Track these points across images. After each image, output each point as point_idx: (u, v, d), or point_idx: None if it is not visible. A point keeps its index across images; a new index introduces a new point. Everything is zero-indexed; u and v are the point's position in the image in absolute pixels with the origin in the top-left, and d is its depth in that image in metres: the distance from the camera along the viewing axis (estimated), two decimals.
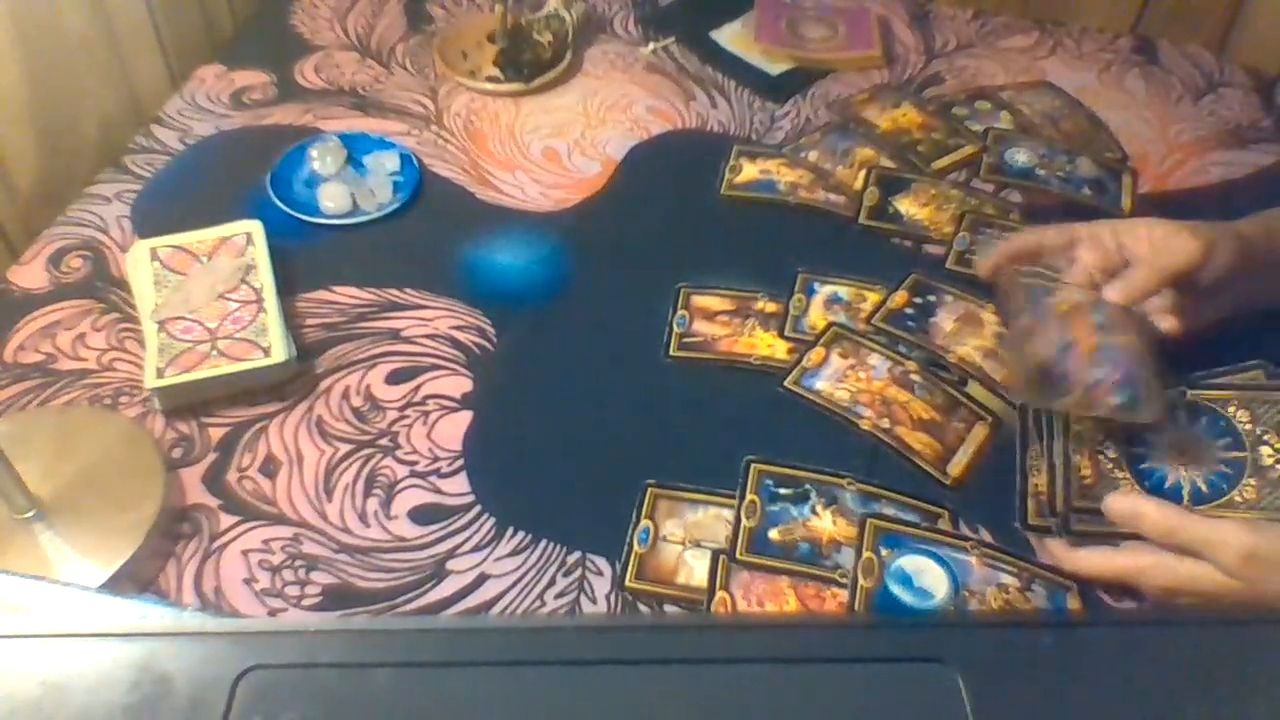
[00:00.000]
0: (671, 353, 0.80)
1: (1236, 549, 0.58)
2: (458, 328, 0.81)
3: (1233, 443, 0.65)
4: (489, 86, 1.05)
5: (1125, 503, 0.63)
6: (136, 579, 0.64)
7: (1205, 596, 0.61)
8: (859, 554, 0.67)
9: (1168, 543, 0.61)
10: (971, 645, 0.43)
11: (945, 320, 0.82)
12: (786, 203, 0.93)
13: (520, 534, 0.69)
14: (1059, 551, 0.66)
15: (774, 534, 0.68)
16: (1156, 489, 0.66)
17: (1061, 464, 0.66)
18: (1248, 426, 0.65)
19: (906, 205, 0.93)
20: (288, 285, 0.82)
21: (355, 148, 0.95)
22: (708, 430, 0.75)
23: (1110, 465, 0.67)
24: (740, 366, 0.79)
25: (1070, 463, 0.66)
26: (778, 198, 0.93)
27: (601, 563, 0.68)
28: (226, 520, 0.68)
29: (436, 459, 0.73)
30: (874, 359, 0.79)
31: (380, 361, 0.79)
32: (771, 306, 0.83)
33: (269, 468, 0.71)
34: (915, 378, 0.77)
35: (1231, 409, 0.66)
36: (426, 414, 0.75)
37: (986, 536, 0.69)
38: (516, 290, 0.85)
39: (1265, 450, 0.64)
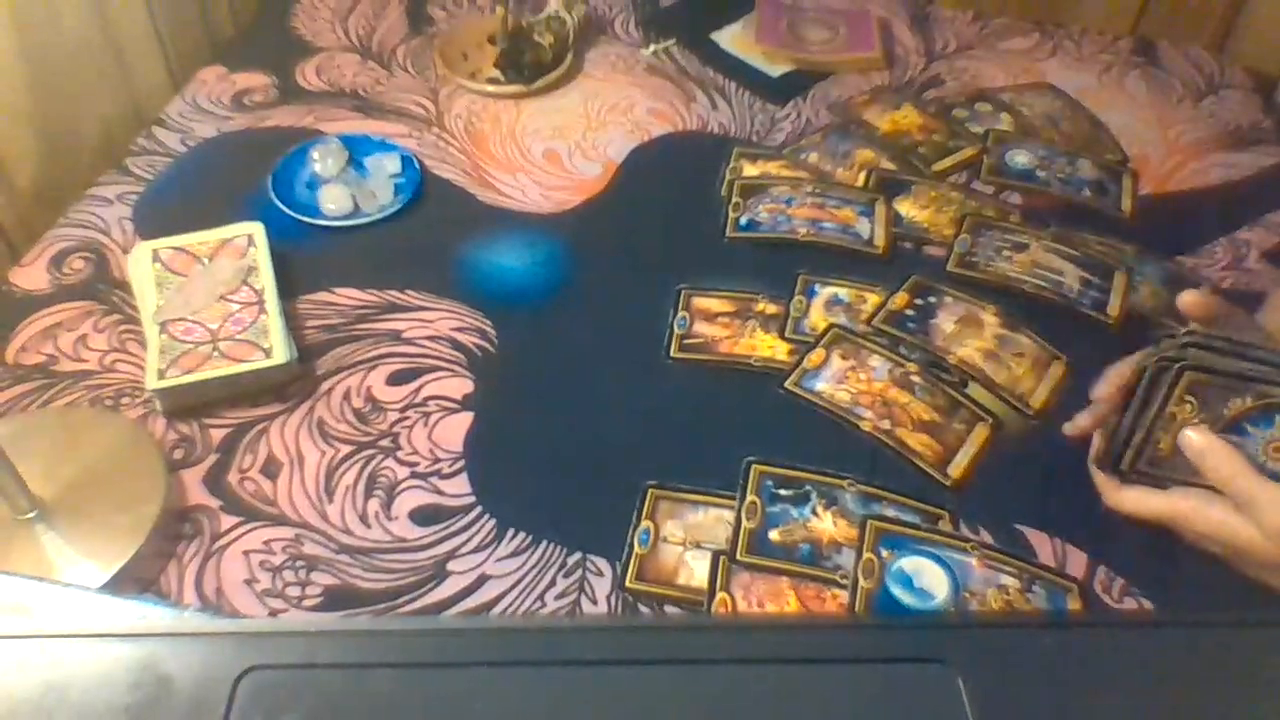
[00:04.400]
0: (672, 354, 0.80)
1: (1278, 515, 0.58)
2: (459, 329, 0.81)
3: None
4: (490, 88, 1.05)
5: (1201, 439, 0.63)
6: (137, 579, 0.64)
7: (1237, 550, 0.61)
8: (859, 555, 0.67)
9: (1223, 488, 0.61)
10: (972, 646, 0.43)
11: (946, 322, 0.82)
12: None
13: (521, 535, 0.69)
14: (1108, 488, 0.66)
15: (774, 535, 0.68)
16: None
17: (1145, 431, 0.65)
18: None
19: (907, 207, 0.93)
20: (289, 287, 0.82)
21: (356, 149, 0.95)
22: (708, 431, 0.75)
23: None
24: (741, 368, 0.79)
25: (1153, 436, 0.65)
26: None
27: (602, 563, 0.68)
28: (227, 521, 0.68)
29: (437, 460, 0.73)
30: (874, 360, 0.79)
31: (381, 363, 0.79)
32: (772, 308, 0.83)
33: (270, 469, 0.71)
34: (916, 379, 0.77)
35: None
36: (427, 415, 0.75)
37: (987, 538, 0.69)
38: (517, 292, 0.86)
39: None
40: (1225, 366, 0.64)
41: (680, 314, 0.83)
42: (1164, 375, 0.64)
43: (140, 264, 0.80)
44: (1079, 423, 0.69)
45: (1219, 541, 0.61)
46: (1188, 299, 0.66)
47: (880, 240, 0.89)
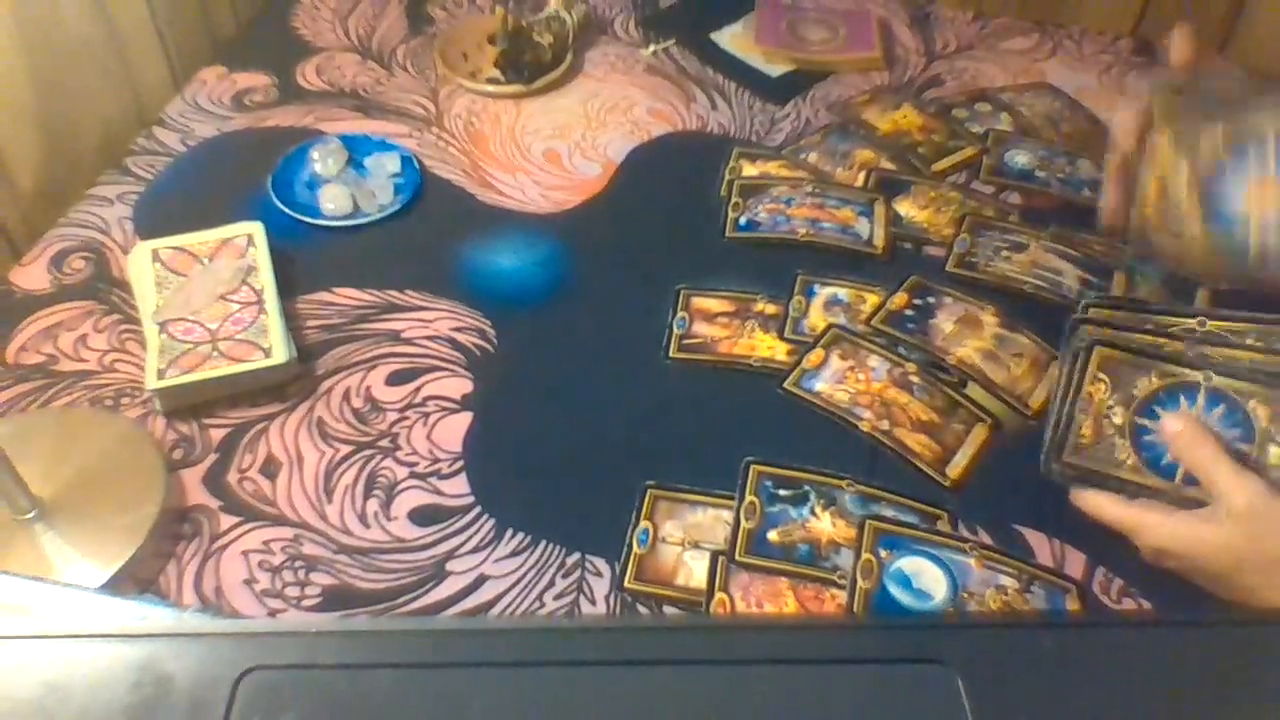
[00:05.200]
0: (671, 354, 0.80)
1: (1246, 495, 0.59)
2: (458, 329, 0.82)
3: (1242, 436, 0.64)
4: (490, 88, 1.05)
5: (1176, 422, 0.64)
6: (137, 579, 0.64)
7: (1193, 562, 0.61)
8: (858, 555, 0.67)
9: (1192, 469, 0.62)
10: (971, 647, 0.43)
11: (945, 322, 0.82)
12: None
13: (520, 535, 0.69)
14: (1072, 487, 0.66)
15: (773, 535, 0.68)
16: (1153, 464, 0.65)
17: (1065, 419, 0.66)
18: (1264, 424, 0.64)
19: (906, 207, 0.93)
20: (288, 287, 0.82)
21: (356, 149, 0.95)
22: (707, 432, 0.75)
23: (1113, 432, 0.66)
24: (740, 368, 0.79)
25: (1074, 421, 0.66)
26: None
27: (601, 564, 0.68)
28: (227, 521, 0.68)
29: (436, 460, 0.73)
30: (873, 361, 0.79)
31: (380, 363, 0.79)
32: (771, 308, 0.84)
33: (269, 469, 0.72)
34: (914, 379, 0.77)
35: (1252, 404, 0.65)
36: (426, 415, 0.75)
37: (985, 538, 0.69)
38: (517, 292, 0.86)
39: (1274, 450, 0.63)
40: (1124, 321, 0.66)
41: (679, 314, 0.83)
42: (1079, 353, 0.66)
43: (140, 264, 0.80)
44: (1109, 203, 0.71)
45: (1177, 554, 0.62)
46: (1175, 35, 0.68)
47: (879, 240, 0.89)
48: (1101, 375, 0.67)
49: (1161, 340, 0.67)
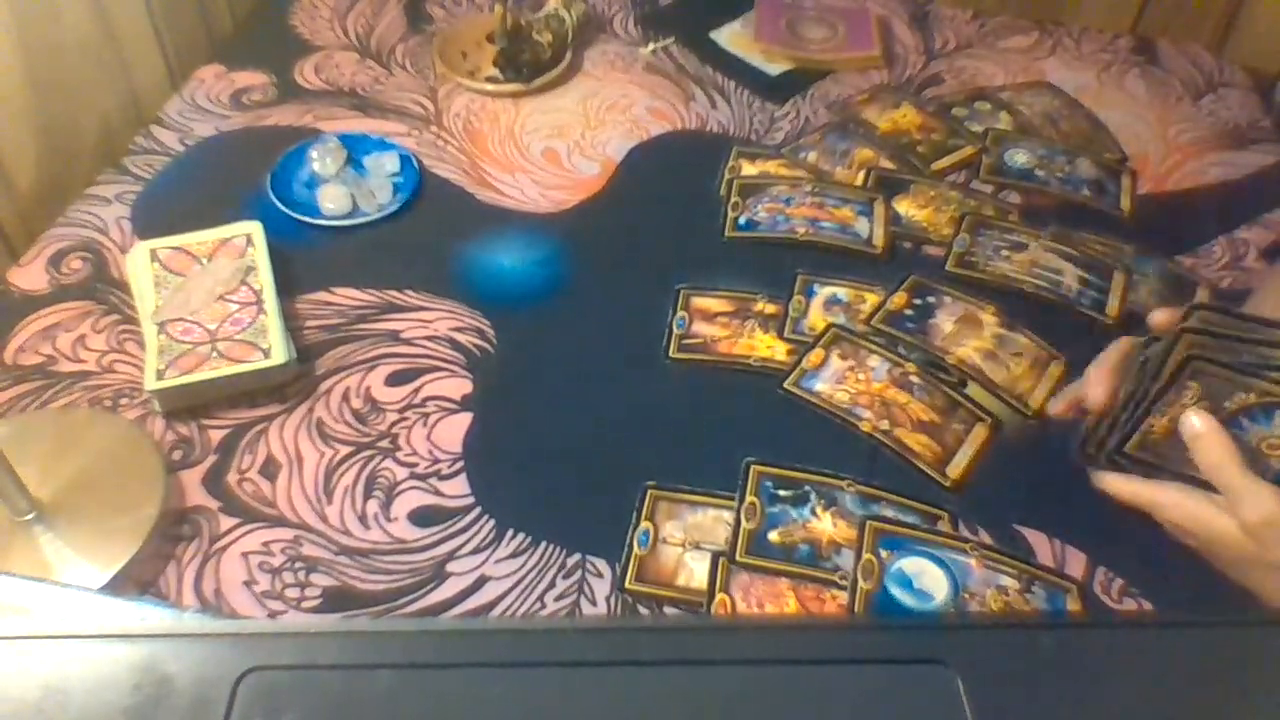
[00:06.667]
0: (671, 354, 0.80)
1: (1259, 510, 0.58)
2: (457, 329, 0.81)
3: None
4: (489, 87, 1.05)
5: (1200, 423, 0.62)
6: (137, 581, 0.64)
7: (1214, 544, 0.61)
8: (859, 556, 0.67)
9: (1208, 474, 0.61)
10: (972, 647, 0.43)
11: (944, 322, 0.82)
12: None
13: (520, 536, 0.69)
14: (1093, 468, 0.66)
15: (774, 536, 0.68)
16: None
17: (1145, 409, 0.64)
18: None
19: (906, 206, 0.93)
20: (287, 287, 0.82)
21: (355, 149, 0.95)
22: (707, 432, 0.75)
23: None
24: (740, 368, 0.79)
25: (1151, 414, 0.64)
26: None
27: (601, 565, 0.68)
28: (226, 522, 0.68)
29: (436, 461, 0.73)
30: (873, 360, 0.79)
31: (380, 363, 0.79)
32: (771, 308, 0.83)
33: (269, 470, 0.71)
34: (914, 379, 0.77)
35: None
36: (426, 416, 0.75)
37: (986, 538, 0.69)
38: (516, 292, 0.85)
39: None
40: (1222, 356, 0.64)
41: (679, 314, 0.83)
42: (1171, 357, 0.63)
43: (139, 264, 0.80)
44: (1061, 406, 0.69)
45: (1195, 534, 0.62)
46: (1157, 318, 0.66)
47: (879, 240, 0.89)
48: (1191, 384, 0.65)
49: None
